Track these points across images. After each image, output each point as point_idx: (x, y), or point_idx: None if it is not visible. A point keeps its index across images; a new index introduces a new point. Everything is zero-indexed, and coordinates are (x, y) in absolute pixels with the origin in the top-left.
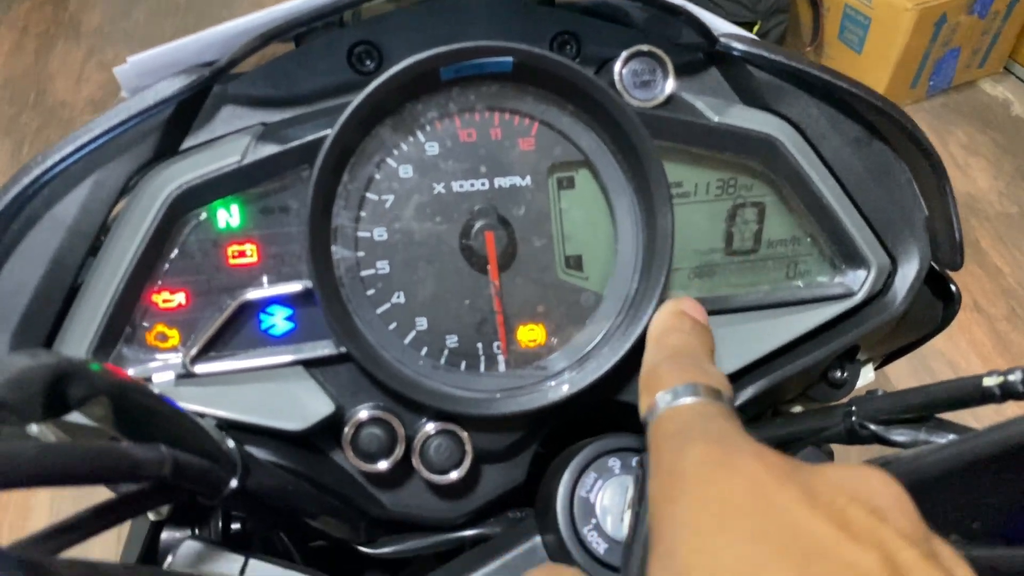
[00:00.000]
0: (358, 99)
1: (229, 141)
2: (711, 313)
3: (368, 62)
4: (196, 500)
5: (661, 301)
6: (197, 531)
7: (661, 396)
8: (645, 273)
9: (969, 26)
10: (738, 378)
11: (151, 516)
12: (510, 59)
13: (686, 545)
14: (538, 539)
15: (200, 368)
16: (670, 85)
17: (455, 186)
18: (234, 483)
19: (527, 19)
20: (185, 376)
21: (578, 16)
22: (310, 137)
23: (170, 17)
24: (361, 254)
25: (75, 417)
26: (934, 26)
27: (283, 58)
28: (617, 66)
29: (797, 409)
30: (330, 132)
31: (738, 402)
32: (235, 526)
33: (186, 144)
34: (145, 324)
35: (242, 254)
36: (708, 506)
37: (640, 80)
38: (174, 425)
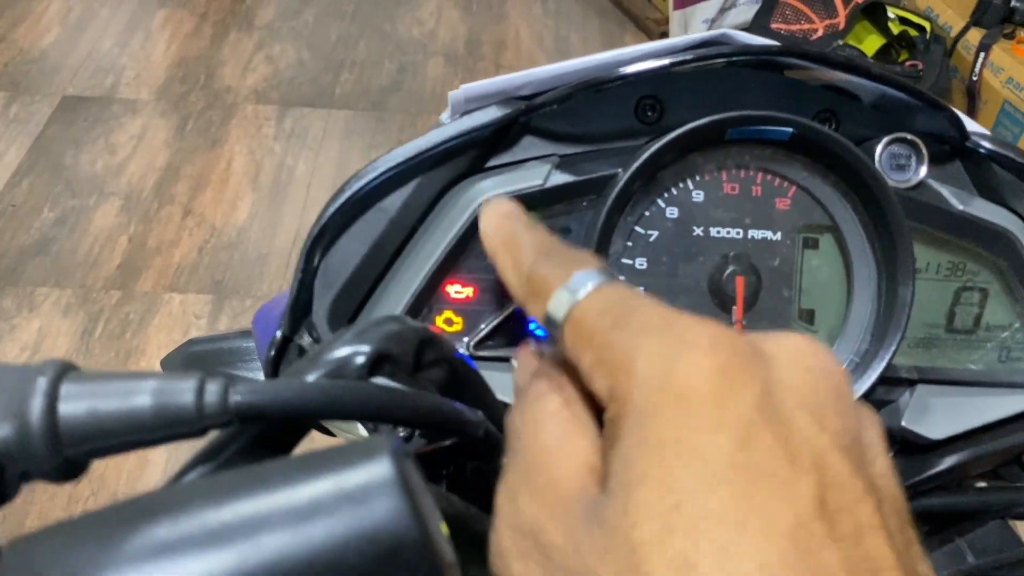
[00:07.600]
0: (657, 145)
1: (532, 166)
2: (928, 382)
3: (650, 113)
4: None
5: (890, 363)
6: None
7: (559, 295)
8: (878, 335)
9: None
10: (942, 446)
11: None
12: (790, 129)
13: (643, 460)
14: None
15: (480, 352)
16: (923, 171)
17: (712, 231)
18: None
19: (794, 94)
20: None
21: (840, 97)
22: (602, 173)
23: (337, 21)
24: (622, 278)
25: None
26: None
27: (578, 101)
28: (879, 148)
29: (980, 484)
30: (623, 171)
31: (938, 469)
32: None
33: (491, 163)
34: (437, 308)
35: None
36: (664, 413)
37: (896, 163)
38: (482, 398)
